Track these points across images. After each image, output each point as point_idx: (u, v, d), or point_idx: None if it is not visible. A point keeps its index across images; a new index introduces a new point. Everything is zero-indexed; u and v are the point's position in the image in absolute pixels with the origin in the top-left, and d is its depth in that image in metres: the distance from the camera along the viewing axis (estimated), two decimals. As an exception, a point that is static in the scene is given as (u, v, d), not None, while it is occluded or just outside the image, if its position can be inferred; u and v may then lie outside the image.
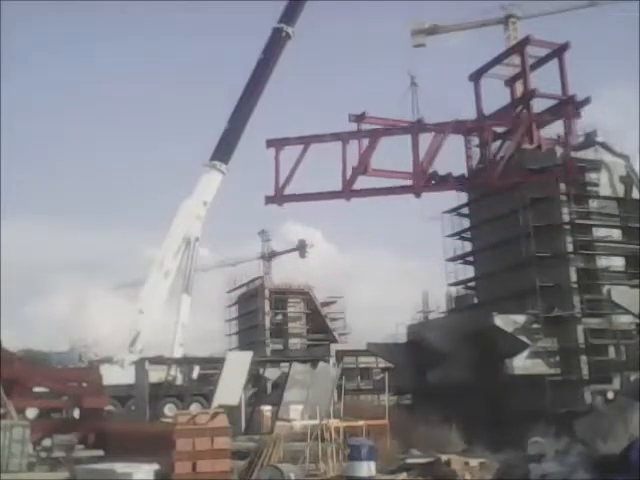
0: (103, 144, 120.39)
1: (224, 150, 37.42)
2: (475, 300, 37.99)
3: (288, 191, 33.78)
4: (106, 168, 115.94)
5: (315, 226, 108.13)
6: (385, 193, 35.04)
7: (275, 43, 37.97)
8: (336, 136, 33.94)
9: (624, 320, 30.56)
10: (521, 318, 30.88)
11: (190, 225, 36.70)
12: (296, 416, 25.95)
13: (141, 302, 35.56)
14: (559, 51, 35.59)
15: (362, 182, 33.65)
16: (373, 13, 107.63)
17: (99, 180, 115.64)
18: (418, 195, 35.19)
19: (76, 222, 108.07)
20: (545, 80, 36.19)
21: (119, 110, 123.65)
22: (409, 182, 34.17)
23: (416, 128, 34.44)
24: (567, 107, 34.46)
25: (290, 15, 38.33)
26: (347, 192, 33.56)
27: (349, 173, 33.12)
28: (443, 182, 34.92)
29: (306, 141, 33.93)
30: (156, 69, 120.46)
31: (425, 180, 35.15)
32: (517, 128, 34.53)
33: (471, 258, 38.02)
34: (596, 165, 33.31)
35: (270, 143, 34.02)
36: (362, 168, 33.14)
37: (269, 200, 34.03)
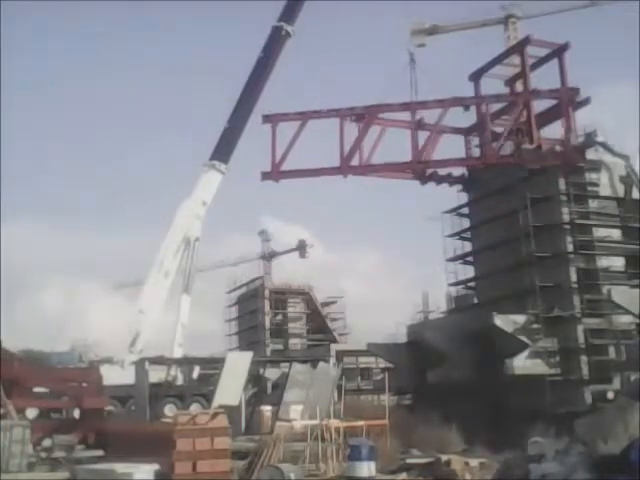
0: (103, 144, 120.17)
1: (223, 150, 37.32)
2: (475, 300, 38.03)
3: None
4: (106, 168, 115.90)
5: (305, 225, 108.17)
6: (384, 170, 35.32)
7: (275, 42, 37.81)
8: (334, 112, 34.07)
9: (624, 320, 30.60)
10: (521, 318, 30.92)
11: (190, 225, 36.67)
12: (296, 416, 25.91)
13: (141, 302, 35.52)
14: (559, 51, 35.60)
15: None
16: (372, 11, 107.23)
17: (99, 180, 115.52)
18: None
19: (76, 222, 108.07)
20: (545, 80, 36.24)
21: (119, 108, 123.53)
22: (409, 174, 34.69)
23: (415, 104, 34.67)
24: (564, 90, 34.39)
25: (289, 13, 38.19)
26: (345, 168, 33.68)
27: (347, 150, 33.35)
28: (444, 161, 35.29)
29: (304, 117, 33.98)
30: (156, 68, 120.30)
31: (426, 177, 35.54)
32: (515, 103, 34.57)
33: (471, 258, 38.08)
34: (596, 165, 33.34)
35: (266, 118, 34.19)
36: (359, 146, 33.52)
37: (265, 176, 34.17)
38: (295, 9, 38.24)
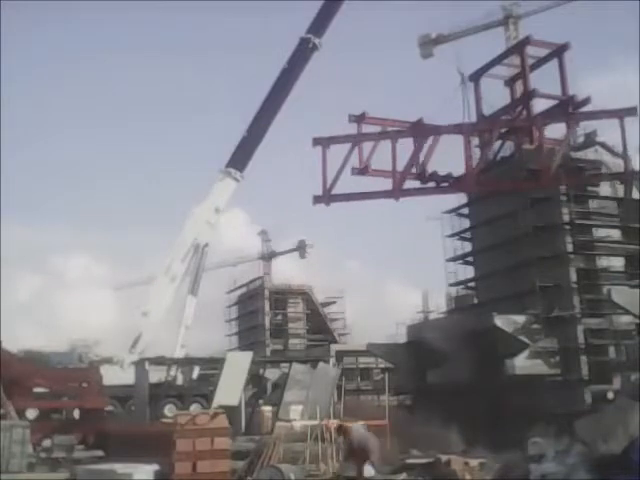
0: (110, 148, 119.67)
1: (240, 158, 37.25)
2: (475, 300, 38.01)
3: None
4: (118, 171, 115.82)
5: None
6: (432, 193, 34.75)
7: (301, 53, 37.48)
8: (385, 134, 33.50)
9: (624, 320, 30.60)
10: (521, 318, 30.92)
11: (200, 231, 36.77)
12: (296, 416, 25.94)
13: (146, 305, 35.59)
14: (559, 51, 35.58)
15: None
16: (378, 13, 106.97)
17: (112, 182, 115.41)
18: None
19: (84, 222, 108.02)
20: (545, 80, 36.22)
21: (132, 112, 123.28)
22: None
23: (467, 126, 34.28)
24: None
25: (319, 26, 37.82)
26: (397, 192, 32.84)
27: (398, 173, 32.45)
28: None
29: (353, 140, 33.24)
30: (169, 69, 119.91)
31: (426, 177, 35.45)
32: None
33: (471, 258, 38.06)
34: (596, 165, 33.34)
35: (317, 141, 33.19)
36: (411, 168, 32.85)
37: (317, 200, 33.24)
38: (325, 22, 37.83)
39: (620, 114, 31.93)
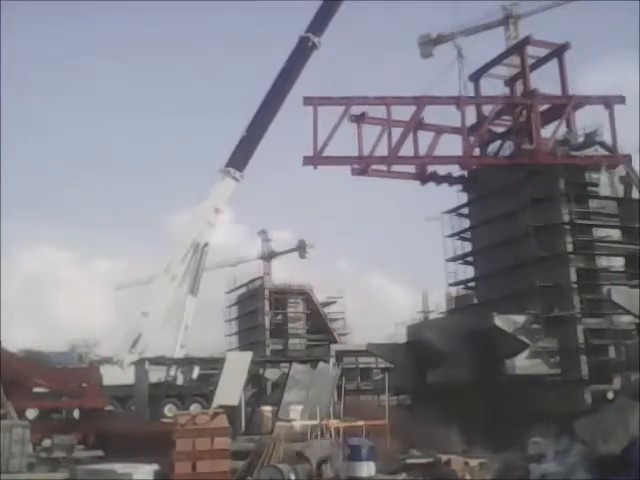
0: (109, 147, 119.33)
1: (240, 157, 37.19)
2: (475, 300, 38.02)
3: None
4: (117, 170, 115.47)
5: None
6: (430, 162, 35.05)
7: (301, 52, 37.39)
8: (381, 100, 33.43)
9: (624, 320, 30.61)
10: (521, 318, 30.94)
11: (200, 231, 36.75)
12: (296, 416, 25.92)
13: (145, 305, 35.55)
14: (559, 51, 35.60)
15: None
16: (378, 13, 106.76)
17: (111, 182, 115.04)
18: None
19: (83, 222, 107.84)
20: (545, 80, 36.24)
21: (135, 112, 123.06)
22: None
23: (463, 99, 34.64)
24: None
25: (318, 25, 37.76)
26: (393, 158, 33.07)
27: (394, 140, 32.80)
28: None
29: (347, 102, 33.00)
30: (172, 72, 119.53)
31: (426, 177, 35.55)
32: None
33: (471, 258, 38.07)
34: (596, 165, 33.35)
35: (308, 100, 33.00)
36: (407, 134, 33.25)
37: (307, 161, 33.13)
38: (324, 21, 37.75)
39: (609, 101, 32.36)
